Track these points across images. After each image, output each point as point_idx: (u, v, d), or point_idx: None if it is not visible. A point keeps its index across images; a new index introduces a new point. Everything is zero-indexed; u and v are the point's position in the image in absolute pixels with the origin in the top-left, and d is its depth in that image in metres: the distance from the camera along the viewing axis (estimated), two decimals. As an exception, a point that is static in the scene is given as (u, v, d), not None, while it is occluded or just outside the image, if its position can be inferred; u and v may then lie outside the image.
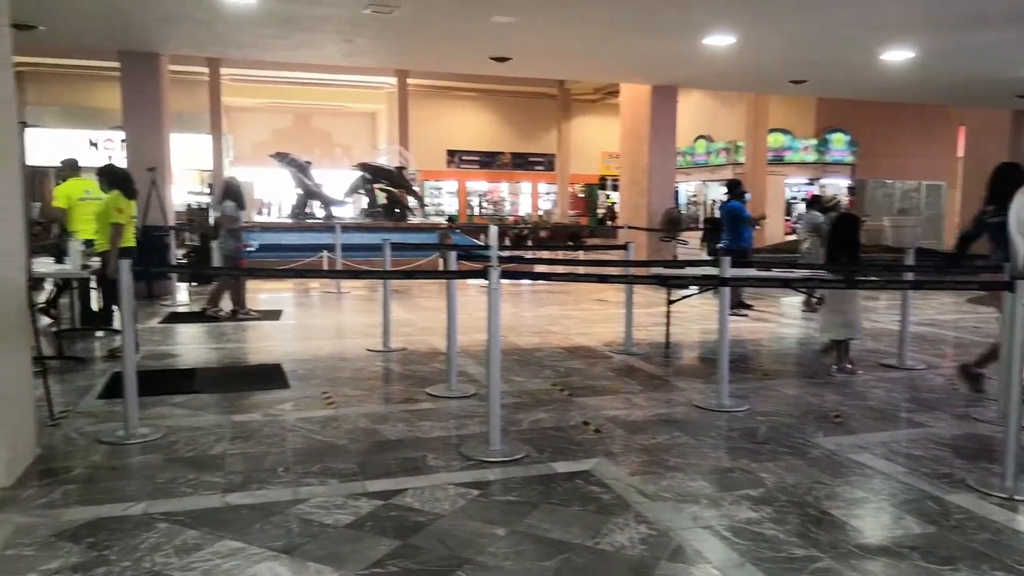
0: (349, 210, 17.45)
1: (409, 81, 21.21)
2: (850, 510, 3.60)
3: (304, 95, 22.87)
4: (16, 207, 4.20)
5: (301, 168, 15.76)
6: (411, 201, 17.36)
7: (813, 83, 13.43)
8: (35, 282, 5.98)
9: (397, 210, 16.58)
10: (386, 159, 18.64)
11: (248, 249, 9.39)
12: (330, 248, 12.08)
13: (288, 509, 3.55)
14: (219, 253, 9.22)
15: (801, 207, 20.19)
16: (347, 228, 13.07)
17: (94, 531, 3.30)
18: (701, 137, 21.14)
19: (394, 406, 5.39)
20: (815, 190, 19.20)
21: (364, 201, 17.15)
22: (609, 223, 24.30)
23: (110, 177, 6.95)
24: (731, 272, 5.80)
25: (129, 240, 6.92)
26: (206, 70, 18.87)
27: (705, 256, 12.71)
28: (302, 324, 8.88)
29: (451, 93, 24.76)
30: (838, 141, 19.91)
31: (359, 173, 16.76)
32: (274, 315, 9.36)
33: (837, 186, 19.65)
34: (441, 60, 13.12)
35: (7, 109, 4.08)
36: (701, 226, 16.52)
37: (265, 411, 5.19)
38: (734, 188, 10.14)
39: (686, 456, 4.35)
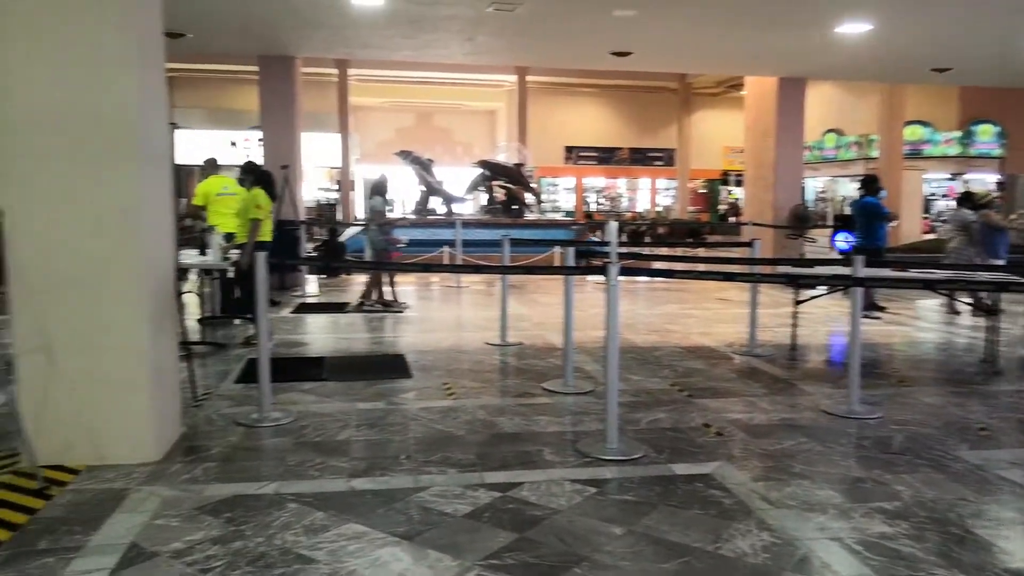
0: (469, 206, 17.75)
1: (528, 78, 21.33)
2: (999, 531, 3.33)
3: (426, 94, 23.41)
4: (167, 203, 4.52)
5: (423, 166, 16.15)
6: (528, 197, 17.46)
7: (958, 71, 12.53)
8: (181, 272, 6.40)
9: (515, 206, 16.71)
10: (505, 156, 18.82)
11: (399, 244, 9.70)
12: (450, 244, 12.34)
13: (409, 496, 3.65)
14: (369, 247, 9.55)
15: (942, 204, 18.96)
16: (467, 224, 13.29)
17: (231, 507, 3.51)
18: (831, 131, 20.16)
19: (511, 399, 5.44)
20: (957, 186, 17.92)
21: (483, 198, 17.39)
22: (731, 220, 23.59)
23: (254, 174, 7.39)
24: (864, 272, 5.49)
25: (267, 234, 7.32)
26: (335, 71, 19.66)
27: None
28: (424, 317, 9.11)
29: (570, 89, 24.70)
30: (984, 133, 18.48)
31: (479, 170, 17.01)
32: (397, 307, 9.65)
33: (983, 181, 18.26)
34: (561, 56, 13.12)
35: (160, 112, 4.39)
36: (830, 223, 15.76)
37: (389, 400, 5.36)
38: (870, 184, 9.61)
39: (813, 463, 4.16)
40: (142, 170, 4.02)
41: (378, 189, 9.48)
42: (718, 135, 25.82)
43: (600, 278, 4.36)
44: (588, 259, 7.28)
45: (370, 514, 3.45)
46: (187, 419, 4.74)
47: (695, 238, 19.37)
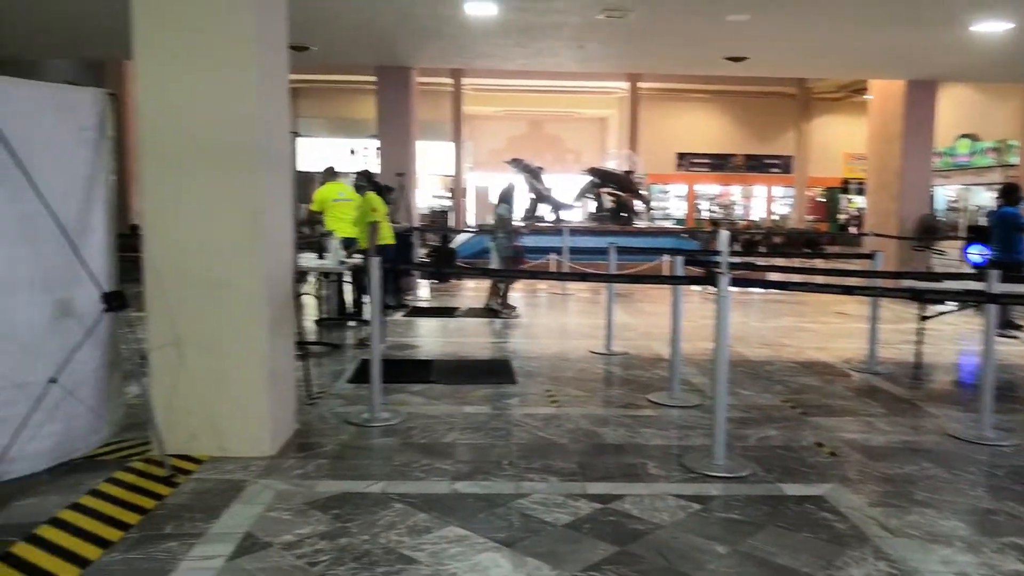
0: (577, 214, 17.73)
1: (640, 85, 21.12)
2: None
3: (538, 102, 23.58)
4: (288, 209, 4.74)
5: (533, 173, 16.27)
6: (638, 205, 17.28)
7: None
8: (300, 275, 6.69)
9: (624, 214, 16.57)
10: (615, 163, 18.70)
11: (521, 250, 9.81)
12: (558, 251, 12.35)
13: (511, 502, 3.67)
14: (496, 254, 9.70)
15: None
16: (574, 231, 13.28)
17: (340, 504, 3.63)
18: (965, 136, 18.90)
19: (615, 410, 5.39)
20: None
21: (592, 205, 17.34)
22: (852, 230, 22.51)
23: (369, 179, 7.74)
24: (1000, 287, 5.12)
25: (387, 237, 7.60)
26: (450, 81, 20.10)
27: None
28: (530, 323, 9.15)
29: (682, 95, 24.28)
30: None
31: (589, 177, 16.97)
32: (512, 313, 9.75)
33: None
34: (673, 62, 12.91)
35: (283, 122, 4.61)
36: (962, 235, 14.77)
37: (493, 404, 5.42)
38: (1010, 193, 8.94)
39: (938, 491, 3.91)
40: (266, 178, 4.23)
41: (505, 197, 9.64)
42: (839, 141, 24.73)
43: (710, 288, 4.26)
44: (705, 269, 7.12)
45: (472, 518, 3.49)
46: (301, 416, 4.94)
47: (813, 248, 18.60)
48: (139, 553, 3.12)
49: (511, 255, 9.49)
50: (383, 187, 8.67)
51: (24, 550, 3.12)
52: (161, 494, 3.72)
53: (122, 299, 4.09)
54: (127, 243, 4.54)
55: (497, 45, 10.47)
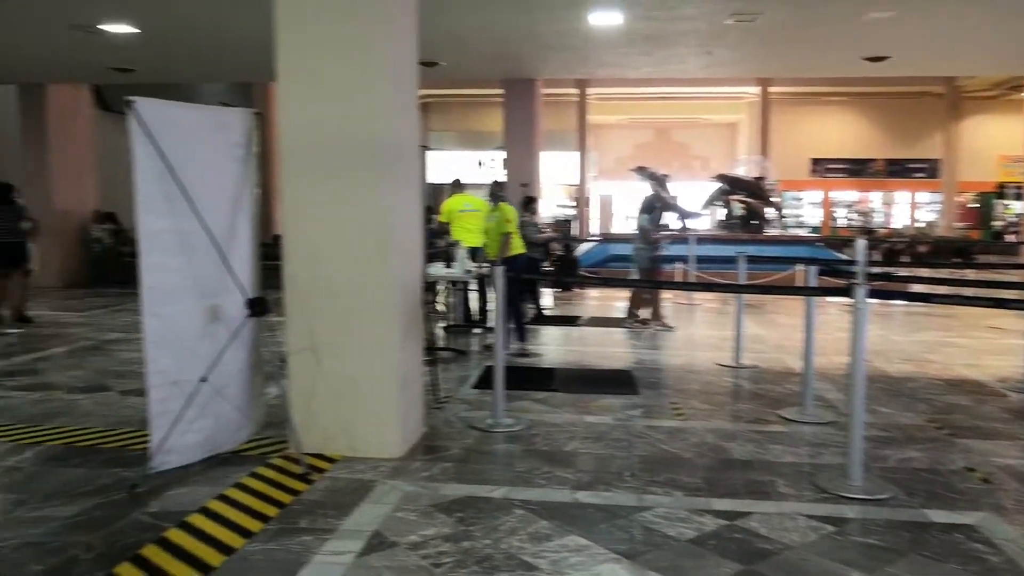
0: (705, 222, 17.33)
1: (771, 89, 20.42)
2: None
3: (663, 110, 23.26)
4: (418, 220, 4.91)
5: (659, 181, 16.03)
6: (769, 212, 16.69)
7: None
8: (428, 284, 6.90)
9: (754, 222, 16.05)
10: (745, 170, 18.15)
11: (661, 261, 9.61)
12: (684, 260, 12.11)
13: (632, 515, 3.62)
14: (635, 264, 9.50)
15: None
16: (702, 240, 12.98)
17: (463, 507, 3.71)
18: None
19: (743, 424, 5.22)
20: None
21: (720, 213, 16.91)
22: (1009, 237, 20.80)
23: (500, 191, 7.90)
24: None
25: (518, 248, 7.72)
26: (575, 91, 20.18)
27: None
28: (654, 333, 9.02)
29: (816, 98, 23.26)
30: None
31: (717, 185, 16.58)
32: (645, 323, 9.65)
33: None
34: (806, 65, 12.42)
35: (413, 136, 4.78)
36: None
37: (615, 415, 5.37)
38: None
39: (1109, 525, 3.54)
40: (396, 190, 4.40)
41: (647, 207, 9.50)
42: (993, 142, 22.94)
43: (847, 300, 4.05)
44: (841, 279, 6.80)
45: (593, 528, 3.47)
46: (429, 420, 5.07)
47: (963, 258, 17.32)
48: (277, 544, 3.31)
49: (649, 267, 9.23)
50: (530, 198, 9.14)
51: (177, 536, 3.38)
52: (298, 490, 3.92)
53: (264, 305, 4.36)
54: (270, 252, 4.83)
55: (622, 54, 10.42)
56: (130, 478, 4.00)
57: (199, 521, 3.53)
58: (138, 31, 8.76)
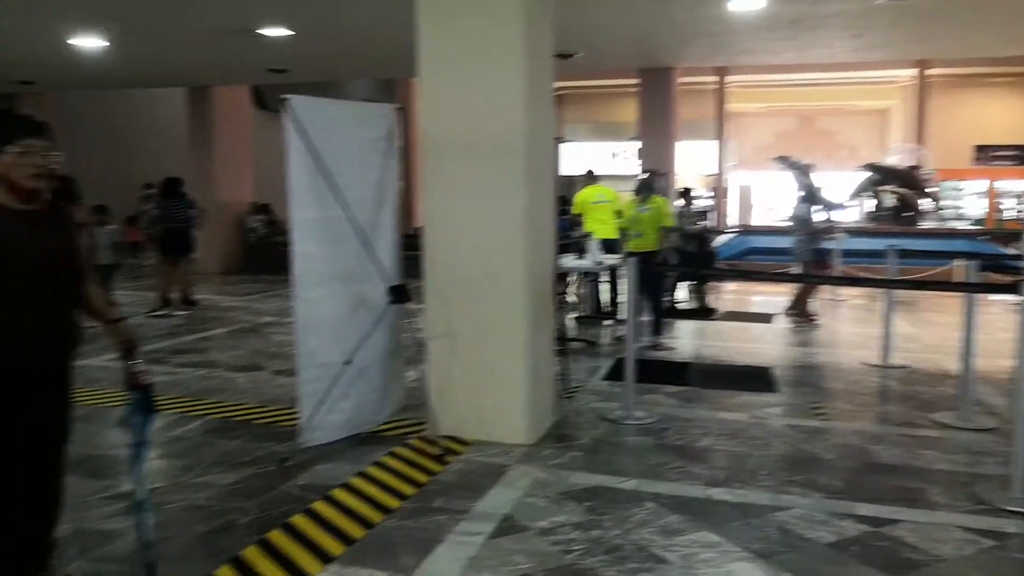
0: (852, 213, 16.43)
1: (928, 72, 19.00)
2: None
3: (807, 96, 22.16)
4: (551, 211, 4.95)
5: (802, 171, 15.35)
6: (925, 203, 15.60)
7: None
8: (560, 275, 6.93)
9: (907, 213, 15.06)
10: (897, 158, 17.04)
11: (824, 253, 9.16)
12: (830, 253, 11.52)
13: (768, 514, 3.52)
14: (796, 258, 9.05)
15: None
16: (849, 232, 12.30)
17: (593, 496, 3.72)
18: None
19: (891, 427, 4.93)
20: None
21: (870, 204, 15.97)
22: None
23: (653, 183, 7.79)
24: None
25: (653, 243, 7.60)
26: (713, 79, 19.62)
27: None
28: (794, 329, 8.66)
29: (981, 81, 21.41)
30: None
31: (866, 174, 15.66)
32: (765, 318, 9.32)
33: None
34: (968, 46, 11.46)
35: (547, 129, 4.83)
36: None
37: (751, 412, 5.21)
38: None
39: None
40: (530, 183, 4.45)
41: (807, 196, 9.07)
42: None
43: (1012, 298, 3.74)
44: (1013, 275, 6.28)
45: (726, 525, 3.40)
46: (559, 409, 5.12)
47: None
48: (413, 522, 3.45)
49: (811, 259, 8.70)
50: (687, 189, 9.47)
51: (322, 508, 3.59)
52: (433, 470, 4.07)
53: (405, 293, 4.55)
54: (410, 242, 5.02)
55: (763, 40, 10.02)
56: (280, 452, 4.29)
57: (342, 495, 3.74)
58: (292, 33, 9.29)
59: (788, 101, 22.78)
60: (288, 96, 4.13)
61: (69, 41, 9.57)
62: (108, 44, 9.79)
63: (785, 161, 16.24)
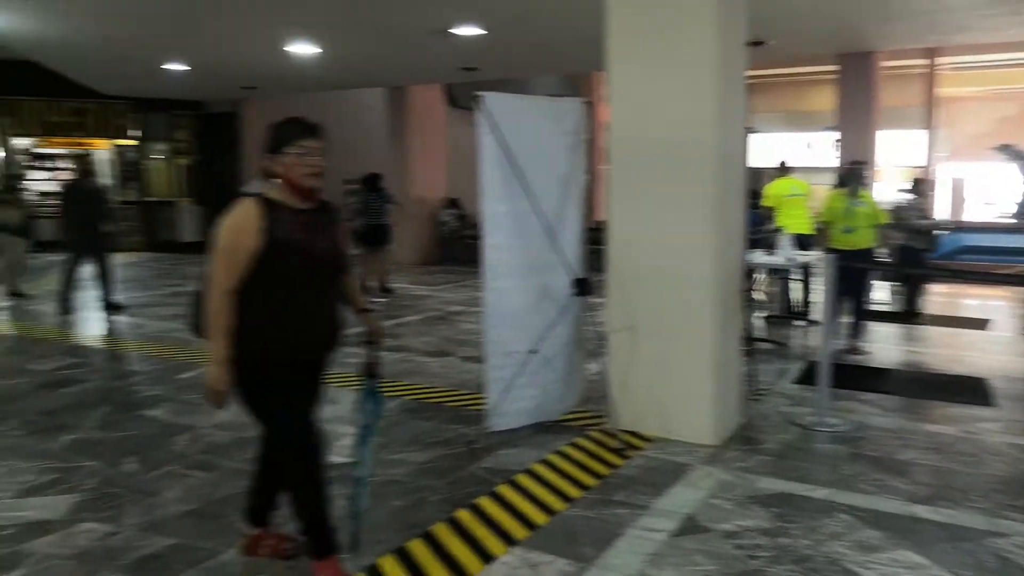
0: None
1: None
2: None
3: (1036, 77, 19.79)
4: (740, 205, 4.79)
5: (1028, 160, 13.75)
6: None
7: None
8: (749, 272, 6.67)
9: None
10: None
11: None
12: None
13: (982, 539, 3.22)
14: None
15: None
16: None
17: (781, 503, 3.58)
18: None
19: None
20: None
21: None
22: None
23: (862, 175, 7.33)
24: None
25: (867, 241, 7.08)
26: (921, 61, 18.02)
27: None
28: (1015, 338, 7.80)
29: None
30: None
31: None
32: (980, 324, 8.47)
33: None
34: None
35: (738, 120, 4.66)
36: None
37: (961, 426, 4.77)
38: None
39: None
40: (719, 177, 4.33)
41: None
42: None
43: None
44: None
45: (931, 546, 3.15)
46: (745, 411, 4.95)
47: None
48: (594, 513, 3.49)
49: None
50: (919, 180, 8.54)
51: (506, 491, 3.72)
52: (614, 463, 4.09)
53: (588, 285, 4.59)
54: (595, 236, 5.05)
55: (982, 15, 9.05)
56: (468, 435, 4.49)
57: (525, 481, 3.85)
58: (484, 32, 9.61)
59: (1011, 84, 20.46)
60: (481, 93, 4.29)
61: (285, 48, 10.48)
62: (320, 50, 10.61)
63: (1009, 150, 14.64)
